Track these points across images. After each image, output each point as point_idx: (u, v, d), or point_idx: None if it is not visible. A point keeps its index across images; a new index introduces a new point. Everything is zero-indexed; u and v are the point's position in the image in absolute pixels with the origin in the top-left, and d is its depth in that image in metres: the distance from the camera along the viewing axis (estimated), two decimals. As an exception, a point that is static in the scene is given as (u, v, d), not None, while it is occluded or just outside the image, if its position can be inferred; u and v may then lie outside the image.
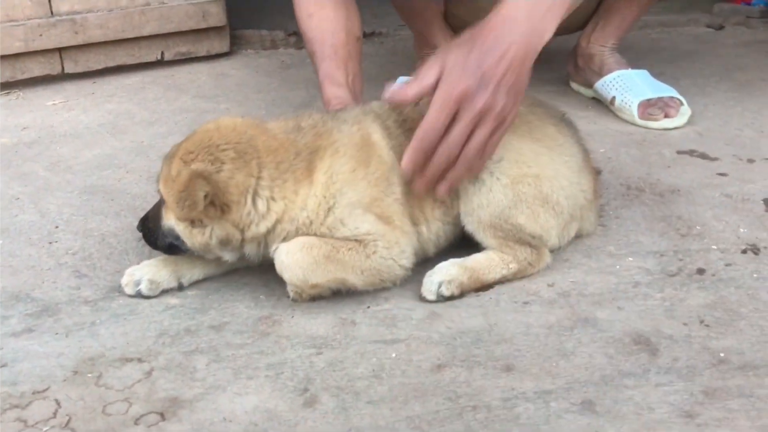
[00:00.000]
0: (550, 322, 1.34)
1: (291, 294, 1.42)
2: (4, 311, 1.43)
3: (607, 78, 2.27)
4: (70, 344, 1.34)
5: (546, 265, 1.49)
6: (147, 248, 1.56)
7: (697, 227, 1.61)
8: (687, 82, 2.45)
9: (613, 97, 2.23)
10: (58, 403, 1.20)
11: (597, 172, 1.62)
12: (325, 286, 1.39)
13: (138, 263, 1.52)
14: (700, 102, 2.28)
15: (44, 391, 1.22)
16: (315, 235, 1.39)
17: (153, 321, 1.39)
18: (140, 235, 1.54)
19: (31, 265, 1.58)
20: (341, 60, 1.78)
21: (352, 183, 1.39)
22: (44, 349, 1.32)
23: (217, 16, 2.89)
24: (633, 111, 2.16)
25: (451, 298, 1.41)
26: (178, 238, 1.41)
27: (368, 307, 1.41)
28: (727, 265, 1.48)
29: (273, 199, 1.38)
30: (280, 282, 1.48)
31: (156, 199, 1.49)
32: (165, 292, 1.47)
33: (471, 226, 1.46)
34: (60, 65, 2.79)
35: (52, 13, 2.72)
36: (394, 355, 1.28)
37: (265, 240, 1.41)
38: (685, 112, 2.15)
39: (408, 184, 1.43)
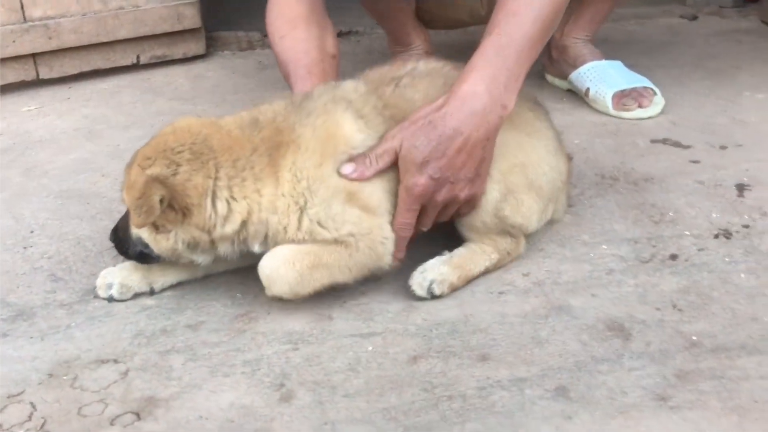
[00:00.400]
0: (525, 311, 1.35)
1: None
2: (-22, 317, 1.42)
3: (582, 69, 2.28)
4: (46, 348, 1.33)
5: (521, 253, 1.49)
6: (122, 250, 1.55)
7: (670, 214, 1.62)
8: (661, 72, 2.47)
9: (588, 89, 2.25)
10: (33, 406, 1.19)
11: (569, 158, 1.63)
12: (315, 292, 1.37)
13: (114, 266, 1.52)
14: (673, 91, 2.29)
15: (19, 394, 1.22)
16: (291, 242, 1.36)
17: (129, 322, 1.39)
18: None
19: (6, 270, 1.57)
20: (316, 78, 1.69)
21: (320, 180, 1.35)
22: (19, 354, 1.31)
23: (192, 18, 2.87)
24: (607, 102, 2.17)
25: (440, 296, 1.40)
26: (146, 246, 1.39)
27: (345, 301, 1.41)
28: (699, 250, 1.49)
29: (233, 198, 1.34)
30: (257, 279, 1.48)
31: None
32: (138, 295, 1.46)
33: (462, 225, 1.46)
34: (35, 71, 2.77)
35: (24, 18, 2.71)
36: (370, 348, 1.28)
37: (239, 238, 1.38)
38: (658, 102, 2.17)
39: None
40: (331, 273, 1.36)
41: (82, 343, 1.34)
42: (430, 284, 1.40)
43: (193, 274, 1.50)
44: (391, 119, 1.41)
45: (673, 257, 1.47)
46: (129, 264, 1.47)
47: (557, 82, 2.42)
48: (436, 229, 1.46)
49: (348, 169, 1.36)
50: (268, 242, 1.38)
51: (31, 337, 1.36)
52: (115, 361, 1.29)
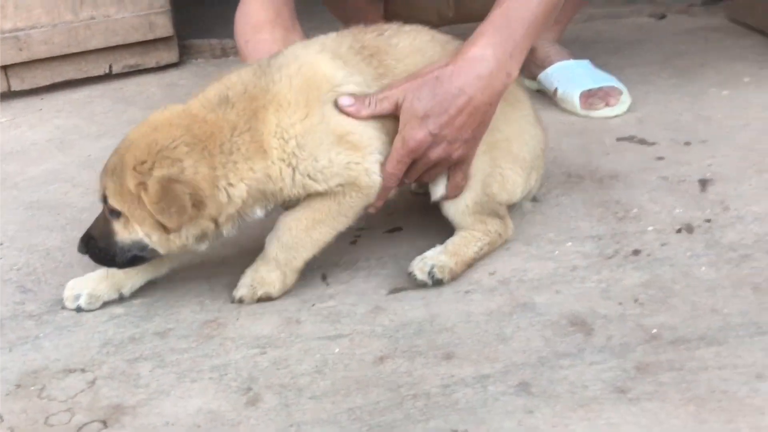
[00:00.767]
0: (490, 309, 1.37)
1: (238, 296, 1.43)
2: (-54, 330, 1.42)
3: (549, 70, 2.31)
4: (14, 358, 1.33)
5: (510, 235, 1.54)
6: (88, 259, 1.56)
7: (634, 210, 1.64)
8: (630, 71, 2.50)
9: (556, 89, 2.27)
10: (0, 417, 1.20)
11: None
12: (319, 250, 1.43)
13: (83, 276, 1.52)
14: (641, 89, 2.32)
15: (-14, 406, 1.22)
16: (289, 198, 1.38)
17: (97, 331, 1.39)
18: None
19: (-25, 282, 1.57)
20: None
21: (308, 132, 1.34)
22: (-13, 365, 1.32)
23: (164, 27, 2.88)
24: (575, 101, 2.20)
25: (440, 282, 1.43)
26: (144, 248, 1.38)
27: (313, 304, 1.43)
28: (662, 245, 1.51)
29: (231, 184, 1.35)
30: (226, 285, 1.50)
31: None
32: (108, 303, 1.46)
33: (452, 210, 1.49)
34: (6, 83, 2.77)
35: (-5, 30, 2.70)
36: (337, 350, 1.29)
37: (240, 216, 1.39)
38: (625, 101, 2.20)
39: None
40: (329, 227, 1.40)
41: (51, 353, 1.34)
42: (431, 269, 1.43)
43: (159, 271, 1.50)
44: (371, 58, 1.41)
45: (636, 252, 1.50)
46: (96, 274, 1.47)
47: (526, 82, 2.43)
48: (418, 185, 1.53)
49: (346, 101, 1.36)
50: (267, 206, 1.41)
51: (0, 348, 1.36)
52: (83, 371, 1.29)
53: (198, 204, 1.32)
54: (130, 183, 1.33)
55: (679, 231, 1.56)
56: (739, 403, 1.10)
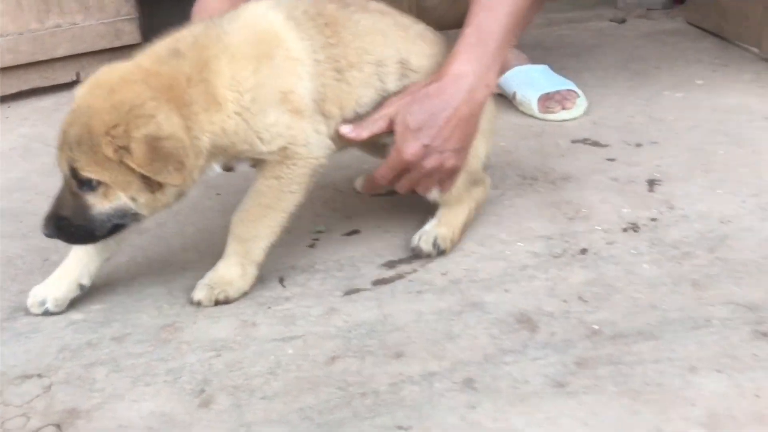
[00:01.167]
0: (440, 308, 1.40)
1: (196, 298, 1.46)
2: None
3: (508, 74, 2.36)
4: (-28, 365, 1.35)
5: (488, 194, 1.67)
6: (49, 266, 1.58)
7: (584, 210, 1.69)
8: (588, 75, 2.56)
9: (515, 92, 2.32)
10: (-44, 423, 1.21)
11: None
12: (276, 236, 1.46)
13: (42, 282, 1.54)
14: (597, 93, 2.38)
15: (-57, 412, 1.24)
16: (236, 155, 1.40)
17: (55, 337, 1.41)
18: (42, 257, 1.55)
19: (-65, 291, 1.58)
20: None
21: (261, 86, 1.35)
22: (-56, 373, 1.33)
23: (131, 34, 2.89)
24: (533, 105, 2.25)
25: (443, 252, 1.54)
26: (125, 215, 1.35)
27: (269, 307, 1.46)
28: (608, 243, 1.56)
29: (196, 137, 1.34)
30: (184, 290, 1.53)
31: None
32: (72, 304, 1.48)
33: (443, 197, 1.58)
34: (-29, 91, 2.77)
35: (-41, 39, 2.70)
36: (291, 351, 1.33)
37: (203, 170, 1.40)
38: (581, 104, 2.25)
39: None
40: (278, 210, 1.45)
41: (8, 359, 1.36)
42: (435, 239, 1.54)
43: (111, 249, 1.49)
44: (325, 27, 1.44)
45: (583, 251, 1.54)
46: (53, 277, 1.48)
47: (488, 86, 2.49)
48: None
49: (346, 128, 1.47)
50: (223, 162, 1.43)
51: (-42, 356, 1.38)
52: (40, 376, 1.31)
53: (187, 155, 1.31)
54: (107, 150, 1.28)
55: (625, 230, 1.61)
56: (672, 395, 1.15)
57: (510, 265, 1.52)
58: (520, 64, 2.37)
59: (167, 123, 1.30)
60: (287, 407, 1.20)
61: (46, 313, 1.47)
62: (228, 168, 1.49)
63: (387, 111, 1.47)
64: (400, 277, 1.51)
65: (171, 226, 1.74)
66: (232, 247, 1.48)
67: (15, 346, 1.40)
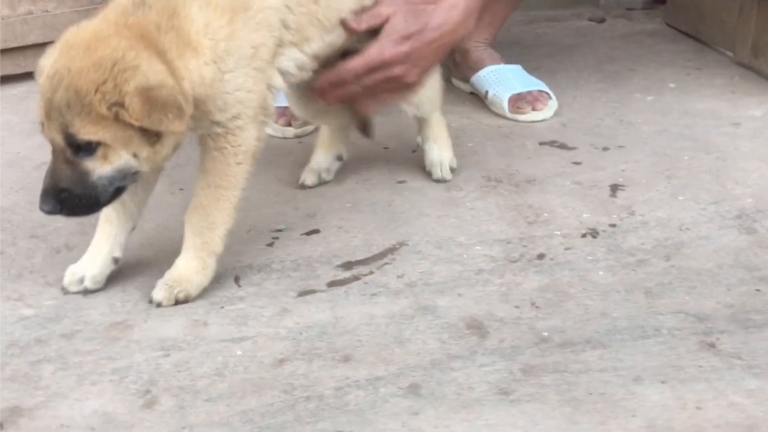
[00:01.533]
0: (393, 312, 1.40)
1: (156, 299, 1.45)
2: None
3: (481, 73, 2.35)
4: None
5: None
6: (5, 259, 1.57)
7: (545, 215, 1.69)
8: (562, 75, 2.55)
9: (487, 92, 2.31)
10: None
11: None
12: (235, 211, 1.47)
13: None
14: (569, 94, 2.38)
15: None
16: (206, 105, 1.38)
17: (4, 333, 1.40)
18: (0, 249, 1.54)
19: None
20: None
21: (234, 38, 1.36)
22: None
23: (104, 22, 2.86)
24: (503, 105, 2.24)
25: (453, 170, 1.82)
26: (125, 175, 1.33)
27: (222, 307, 1.45)
28: (566, 249, 1.56)
29: (181, 84, 1.32)
30: (138, 287, 1.52)
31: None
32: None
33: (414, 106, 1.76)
34: (-60, 78, 2.73)
35: (-73, 25, 2.67)
36: (239, 352, 1.32)
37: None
38: (552, 106, 2.24)
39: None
40: (230, 187, 1.45)
41: (-46, 354, 1.35)
42: (440, 166, 1.82)
43: (135, 218, 1.52)
44: None
45: (540, 257, 1.54)
46: (87, 255, 1.49)
47: (462, 85, 2.48)
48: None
49: (352, 21, 1.55)
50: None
51: None
52: (-15, 372, 1.30)
53: (184, 100, 1.30)
54: (101, 108, 1.25)
55: (584, 236, 1.61)
56: (614, 405, 1.15)
57: (466, 268, 1.51)
58: (494, 64, 2.36)
59: (152, 71, 1.28)
60: (230, 409, 1.19)
61: (85, 292, 1.48)
62: None
63: (385, 9, 1.58)
64: (355, 278, 1.51)
65: (130, 222, 1.73)
66: (189, 241, 1.47)
67: (-38, 342, 1.38)
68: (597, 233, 1.61)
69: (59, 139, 1.30)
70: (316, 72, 1.60)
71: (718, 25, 2.69)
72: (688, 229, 1.60)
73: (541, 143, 2.06)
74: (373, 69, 1.59)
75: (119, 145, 1.30)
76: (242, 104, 1.41)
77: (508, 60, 2.44)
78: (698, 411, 1.13)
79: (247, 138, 1.44)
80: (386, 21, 1.58)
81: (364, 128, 1.89)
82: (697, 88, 2.38)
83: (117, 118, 1.27)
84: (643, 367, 1.22)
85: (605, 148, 2.00)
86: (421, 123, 1.86)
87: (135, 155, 1.32)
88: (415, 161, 1.96)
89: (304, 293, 1.47)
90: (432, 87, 1.76)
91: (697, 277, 1.44)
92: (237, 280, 1.53)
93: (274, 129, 2.13)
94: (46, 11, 2.80)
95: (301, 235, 1.68)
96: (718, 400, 1.14)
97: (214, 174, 1.45)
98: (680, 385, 1.17)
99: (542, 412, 1.14)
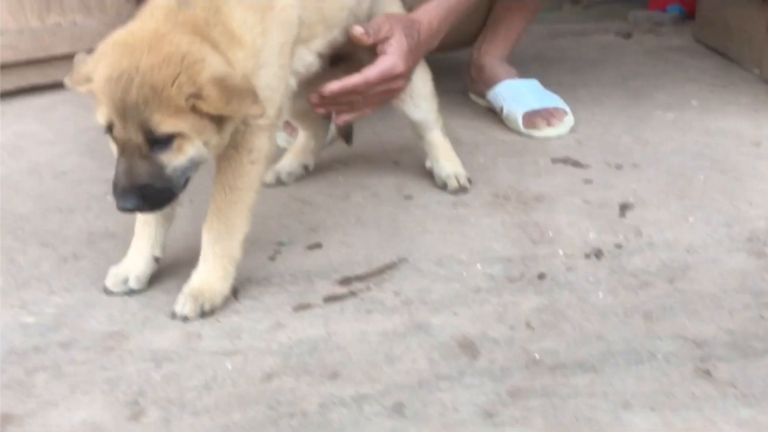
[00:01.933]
0: (386, 329, 1.39)
1: (182, 313, 1.45)
2: None
3: (497, 88, 2.33)
4: None
5: None
6: (14, 267, 1.61)
7: (550, 233, 1.67)
8: (583, 91, 2.52)
9: (502, 107, 2.30)
10: None
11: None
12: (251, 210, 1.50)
13: (3, 284, 1.57)
14: (589, 110, 2.35)
15: None
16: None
17: (4, 340, 1.42)
18: (9, 257, 1.57)
19: None
20: None
21: (266, 34, 1.42)
22: None
23: (131, 35, 2.92)
24: (518, 120, 2.22)
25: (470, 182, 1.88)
26: (195, 165, 1.37)
27: (218, 320, 1.45)
28: (568, 269, 1.53)
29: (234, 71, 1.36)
30: (137, 297, 1.53)
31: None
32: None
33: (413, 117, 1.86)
34: (-28, 87, 2.81)
35: (-40, 36, 2.75)
36: (229, 366, 1.32)
37: None
38: (568, 122, 2.22)
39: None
40: (246, 189, 1.48)
41: (-45, 360, 1.37)
42: (456, 177, 1.87)
43: (170, 217, 1.57)
44: None
45: (541, 276, 1.52)
46: (129, 256, 1.54)
47: (479, 100, 2.47)
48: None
49: (359, 29, 1.65)
50: None
51: None
52: (-18, 378, 1.32)
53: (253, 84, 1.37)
54: (179, 100, 1.29)
55: (587, 256, 1.57)
56: (599, 431, 1.12)
57: (464, 287, 1.50)
58: (509, 79, 2.34)
59: (217, 62, 1.33)
60: (214, 423, 1.19)
61: (130, 292, 1.52)
62: None
63: (387, 26, 1.69)
64: (352, 294, 1.50)
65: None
66: (209, 249, 1.48)
67: (-36, 347, 1.41)
68: (601, 253, 1.58)
69: (137, 136, 1.32)
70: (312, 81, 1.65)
71: (746, 42, 2.63)
72: (695, 251, 1.56)
73: (553, 160, 2.03)
74: (383, 81, 1.69)
75: (195, 134, 1.34)
76: (267, 103, 1.43)
77: (529, 75, 2.43)
78: (687, 440, 1.09)
79: (261, 137, 1.47)
80: (391, 36, 1.68)
81: (346, 135, 1.97)
82: (720, 106, 2.33)
83: (194, 109, 1.31)
84: (633, 393, 1.18)
85: (619, 166, 1.97)
86: (426, 142, 1.91)
87: (206, 143, 1.36)
88: (423, 176, 1.95)
89: (299, 308, 1.47)
90: (424, 84, 1.85)
91: (700, 301, 1.40)
92: (235, 292, 1.53)
93: (286, 141, 2.15)
94: (74, 23, 2.87)
95: (303, 249, 1.68)
96: (708, 429, 1.10)
97: (230, 174, 1.47)
98: (670, 413, 1.14)
99: (525, 436, 1.11)
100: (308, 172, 1.99)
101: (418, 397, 1.21)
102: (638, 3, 3.59)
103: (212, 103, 1.30)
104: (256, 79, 1.42)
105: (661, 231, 1.64)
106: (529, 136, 2.19)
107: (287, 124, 2.13)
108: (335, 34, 1.63)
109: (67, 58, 2.83)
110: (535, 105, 2.24)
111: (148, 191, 1.34)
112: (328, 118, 1.95)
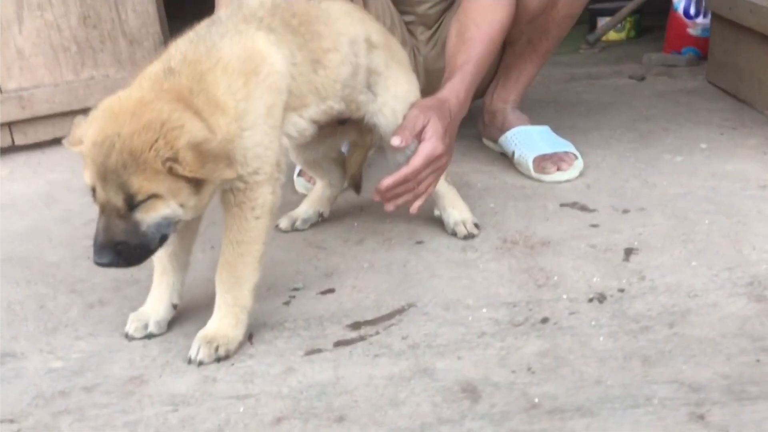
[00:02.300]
0: (392, 373, 1.44)
1: (198, 358, 1.52)
2: None
3: (509, 134, 2.40)
4: (-46, 407, 1.46)
5: None
6: (44, 313, 1.70)
7: (555, 278, 1.71)
8: (594, 135, 2.58)
9: (513, 152, 2.36)
10: (-72, 463, 1.31)
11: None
12: (259, 263, 1.57)
13: (34, 330, 1.66)
14: (598, 154, 2.40)
15: None
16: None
17: (33, 384, 1.51)
18: (39, 304, 1.66)
19: (-63, 333, 1.71)
20: None
21: (250, 98, 1.49)
22: (-72, 413, 1.44)
23: (160, 86, 3.05)
24: (529, 165, 2.28)
25: (479, 227, 1.96)
26: (170, 223, 1.43)
27: (232, 364, 1.52)
28: (571, 313, 1.58)
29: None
30: (158, 342, 1.61)
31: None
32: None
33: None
34: (10, 138, 2.96)
35: (0, 90, 2.91)
36: (242, 409, 1.39)
37: None
38: (577, 166, 2.27)
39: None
40: (252, 243, 1.55)
41: (-13, 403, 1.46)
42: (463, 224, 1.93)
43: (185, 266, 1.67)
44: (300, 27, 1.62)
45: (545, 321, 1.56)
46: (149, 302, 1.64)
47: (492, 145, 2.54)
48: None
49: (396, 141, 1.76)
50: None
51: (-56, 398, 1.48)
52: (11, 421, 1.40)
53: (230, 150, 1.44)
54: (156, 164, 1.37)
55: (590, 300, 1.62)
56: (594, 475, 1.16)
57: (469, 331, 1.55)
58: (521, 125, 2.41)
59: (196, 128, 1.41)
60: (226, 465, 1.25)
61: (149, 336, 1.62)
62: None
63: (421, 119, 1.80)
64: (361, 339, 1.56)
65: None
66: (221, 298, 1.57)
67: (-4, 391, 1.50)
68: (604, 298, 1.62)
69: (116, 199, 1.41)
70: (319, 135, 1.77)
71: (756, 84, 2.68)
72: (696, 295, 1.59)
73: (561, 204, 2.08)
74: (429, 164, 1.80)
75: (170, 195, 1.42)
76: (260, 159, 1.53)
77: (542, 118, 2.50)
78: (679, 485, 1.13)
79: (263, 193, 1.55)
80: (427, 123, 1.80)
81: (356, 185, 2.06)
82: (730, 149, 2.36)
83: (170, 172, 1.39)
84: (628, 437, 1.22)
85: (625, 211, 2.01)
86: (432, 194, 1.93)
87: (182, 205, 1.44)
88: (435, 222, 2.02)
89: (310, 352, 1.54)
90: None
91: (698, 346, 1.43)
92: (250, 337, 1.60)
93: (305, 187, 2.24)
94: (107, 76, 3.02)
95: (317, 294, 1.75)
96: (699, 474, 1.14)
97: (236, 230, 1.56)
98: (663, 458, 1.17)
99: (521, 480, 1.16)
100: (323, 219, 2.08)
101: (420, 441, 1.26)
102: (654, 46, 3.65)
103: (187, 166, 1.37)
104: (242, 141, 1.49)
105: (663, 275, 1.68)
106: (539, 181, 2.25)
107: (305, 172, 2.22)
108: (330, 104, 1.70)
109: (99, 109, 3.00)
110: (546, 150, 2.30)
111: (123, 248, 1.41)
112: (342, 167, 2.04)
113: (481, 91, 2.55)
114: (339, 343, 1.55)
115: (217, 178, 1.43)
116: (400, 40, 2.34)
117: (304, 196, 2.15)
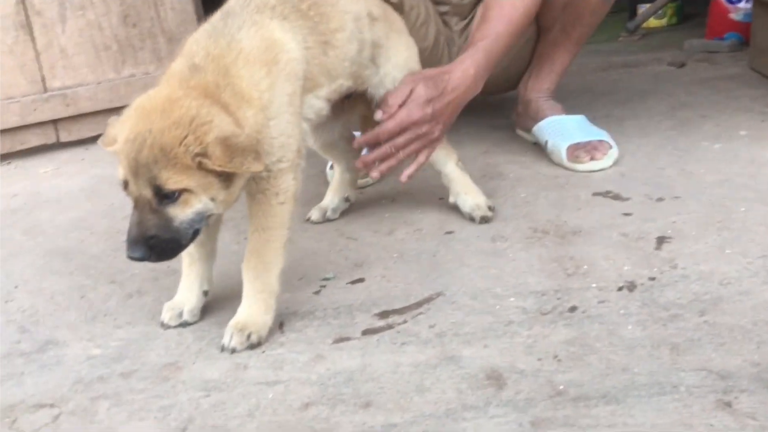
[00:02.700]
0: (418, 361, 1.46)
1: (230, 344, 1.56)
2: (-49, 364, 1.63)
3: (542, 123, 2.39)
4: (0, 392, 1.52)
5: None
6: (85, 302, 1.76)
7: (585, 267, 1.70)
8: (631, 123, 2.55)
9: (546, 141, 2.35)
10: (-26, 444, 1.38)
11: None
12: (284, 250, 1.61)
13: (75, 319, 1.72)
14: (634, 142, 2.37)
15: (-34, 434, 1.41)
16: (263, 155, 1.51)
17: (73, 370, 1.57)
18: (81, 294, 1.72)
19: (-15, 322, 1.79)
20: None
21: (273, 88, 1.53)
22: (-25, 398, 1.51)
23: (198, 82, 3.12)
24: (562, 154, 2.26)
25: (494, 209, 1.99)
26: (202, 218, 1.47)
27: (263, 351, 1.56)
28: (600, 302, 1.57)
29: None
30: (193, 330, 1.66)
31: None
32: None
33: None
34: (55, 135, 3.07)
35: (45, 89, 3.01)
36: (271, 395, 1.42)
37: None
38: (612, 155, 2.24)
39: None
40: (277, 228, 1.59)
41: (30, 388, 1.52)
42: (487, 206, 1.97)
43: (214, 255, 1.72)
44: (309, 10, 1.66)
45: (573, 309, 1.56)
46: (181, 292, 1.69)
47: (525, 135, 2.53)
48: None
49: (379, 115, 1.83)
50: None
51: (-11, 383, 1.56)
52: (52, 406, 1.46)
53: (257, 143, 1.49)
54: (186, 159, 1.40)
55: (620, 289, 1.60)
56: (616, 461, 1.15)
57: (496, 320, 1.55)
58: (555, 114, 2.39)
59: (224, 122, 1.44)
60: (254, 449, 1.28)
61: (184, 325, 1.67)
62: None
63: (408, 85, 1.84)
64: (389, 327, 1.58)
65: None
66: (249, 285, 1.60)
67: (38, 377, 1.56)
68: (634, 286, 1.61)
69: (147, 192, 1.45)
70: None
71: (799, 69, 2.60)
72: (729, 283, 1.57)
73: (594, 194, 2.06)
74: (403, 129, 1.83)
75: (201, 190, 1.45)
76: (284, 148, 1.58)
77: (579, 107, 2.48)
78: (703, 472, 1.12)
79: (286, 179, 1.60)
80: (411, 92, 1.84)
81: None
82: (770, 135, 2.31)
83: (200, 167, 1.43)
84: (652, 424, 1.21)
85: (660, 199, 1.98)
86: (444, 178, 2.01)
87: (213, 199, 1.48)
88: (465, 212, 2.02)
89: (339, 340, 1.56)
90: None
91: (729, 334, 1.41)
92: (281, 326, 1.64)
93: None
94: (147, 74, 3.09)
95: (347, 283, 1.77)
96: (724, 461, 1.13)
97: (261, 217, 1.60)
98: (688, 445, 1.16)
99: (543, 465, 1.16)
100: (351, 203, 2.12)
101: (444, 427, 1.27)
102: (695, 32, 3.58)
103: (216, 161, 1.41)
104: (268, 130, 1.54)
105: (696, 263, 1.66)
106: (573, 170, 2.23)
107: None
108: (340, 82, 1.76)
109: (140, 106, 3.08)
110: (579, 138, 2.28)
111: (155, 242, 1.44)
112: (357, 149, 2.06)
113: (515, 81, 2.54)
114: (367, 332, 1.57)
115: (246, 171, 1.46)
116: (434, 30, 2.35)
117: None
